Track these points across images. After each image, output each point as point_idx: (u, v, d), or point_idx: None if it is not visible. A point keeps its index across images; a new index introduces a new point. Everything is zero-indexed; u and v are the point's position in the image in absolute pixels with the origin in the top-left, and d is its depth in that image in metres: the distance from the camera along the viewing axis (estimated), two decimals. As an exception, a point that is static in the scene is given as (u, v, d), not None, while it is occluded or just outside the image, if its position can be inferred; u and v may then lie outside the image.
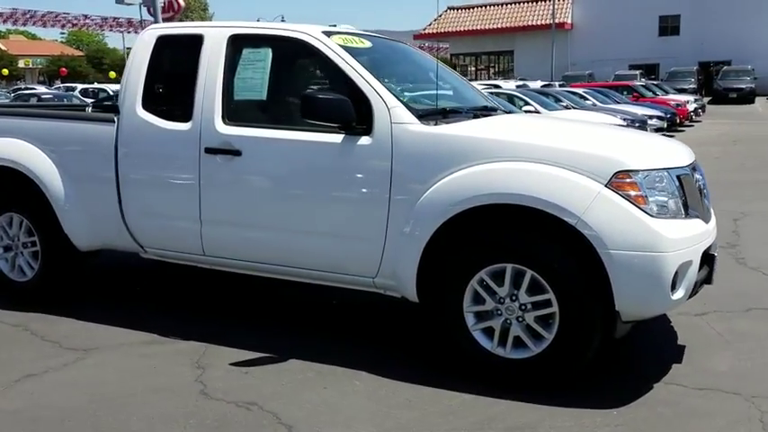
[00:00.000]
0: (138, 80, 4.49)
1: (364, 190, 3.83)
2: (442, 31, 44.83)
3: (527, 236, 3.47)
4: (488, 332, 3.62)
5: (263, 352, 4.08)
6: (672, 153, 3.75)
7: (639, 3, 41.01)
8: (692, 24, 40.51)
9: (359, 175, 3.83)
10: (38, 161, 4.73)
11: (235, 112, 4.25)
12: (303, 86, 4.15)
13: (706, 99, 32.10)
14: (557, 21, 41.58)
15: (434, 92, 4.26)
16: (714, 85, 35.77)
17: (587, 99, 19.86)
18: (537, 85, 25.63)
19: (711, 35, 39.74)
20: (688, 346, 4.16)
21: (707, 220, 3.69)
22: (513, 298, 3.52)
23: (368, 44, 4.37)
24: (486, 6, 44.80)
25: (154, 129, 4.39)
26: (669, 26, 40.87)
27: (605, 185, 3.33)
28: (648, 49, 40.77)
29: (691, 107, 24.22)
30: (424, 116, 3.83)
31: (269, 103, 4.25)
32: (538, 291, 3.46)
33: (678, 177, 3.54)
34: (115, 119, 4.53)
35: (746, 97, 34.05)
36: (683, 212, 3.46)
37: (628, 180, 3.33)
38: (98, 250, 4.97)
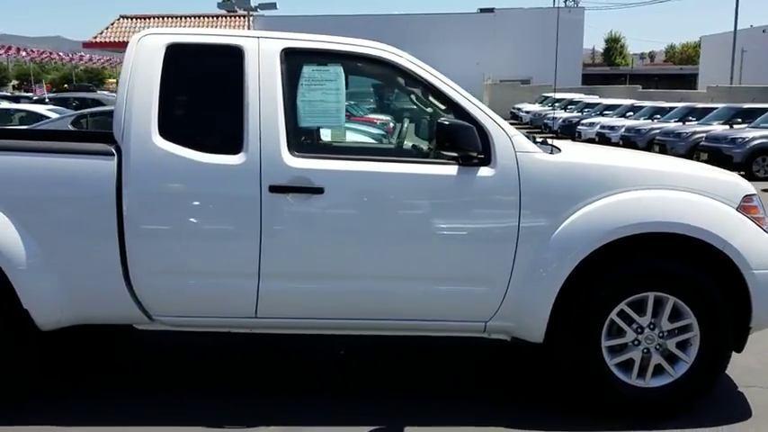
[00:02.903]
0: (150, 100, 3.43)
1: (488, 226, 3.48)
2: (117, 40, 41.63)
3: (672, 264, 3.51)
4: (624, 365, 3.56)
5: (354, 425, 3.45)
6: None
7: (316, 26, 43.17)
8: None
9: (481, 210, 3.47)
10: None
11: (304, 141, 3.52)
12: (392, 111, 3.61)
13: (387, 117, 35.29)
14: (239, 37, 41.81)
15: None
16: (391, 105, 39.38)
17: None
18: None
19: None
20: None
21: None
22: (652, 326, 3.53)
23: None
24: (163, 18, 42.86)
25: (183, 163, 3.40)
26: (344, 49, 43.84)
27: (736, 209, 3.53)
28: (328, 70, 43.24)
29: (391, 125, 26.34)
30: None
31: (349, 130, 3.60)
32: (677, 317, 3.52)
33: None
34: (114, 150, 3.41)
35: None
36: None
37: (751, 203, 3.59)
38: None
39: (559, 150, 3.70)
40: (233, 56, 3.50)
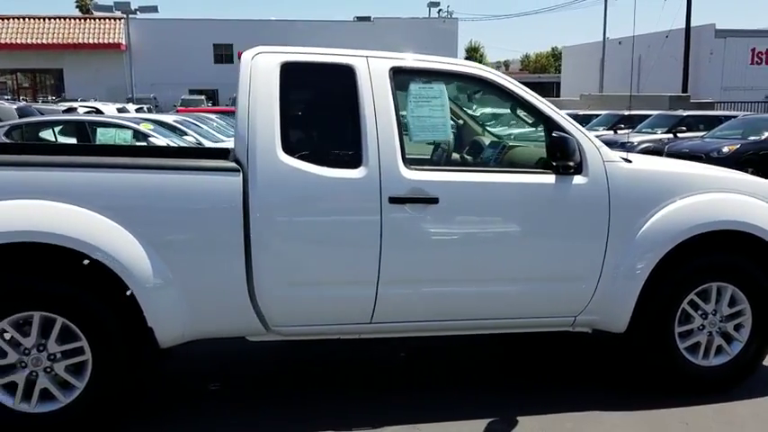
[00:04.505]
0: (272, 118, 3.50)
1: (583, 229, 3.84)
2: (-27, 42, 38.64)
3: (733, 257, 4.03)
4: (691, 347, 4.05)
5: (462, 419, 3.72)
6: None
7: (194, 30, 42.16)
8: (243, 53, 43.26)
9: (577, 215, 3.82)
10: (103, 232, 3.27)
11: (415, 155, 3.71)
12: (485, 125, 3.88)
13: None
14: (110, 41, 40.09)
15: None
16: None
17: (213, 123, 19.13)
18: (111, 108, 23.16)
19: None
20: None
21: None
22: (714, 312, 4.04)
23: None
24: (24, 19, 40.03)
25: (308, 178, 3.50)
26: (223, 54, 42.77)
27: None
28: (206, 75, 42.14)
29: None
30: (606, 153, 4.03)
31: (454, 143, 3.83)
32: (734, 303, 4.05)
33: None
34: (239, 167, 3.45)
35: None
36: None
37: None
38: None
39: (630, 161, 4.14)
40: (345, 74, 3.65)
